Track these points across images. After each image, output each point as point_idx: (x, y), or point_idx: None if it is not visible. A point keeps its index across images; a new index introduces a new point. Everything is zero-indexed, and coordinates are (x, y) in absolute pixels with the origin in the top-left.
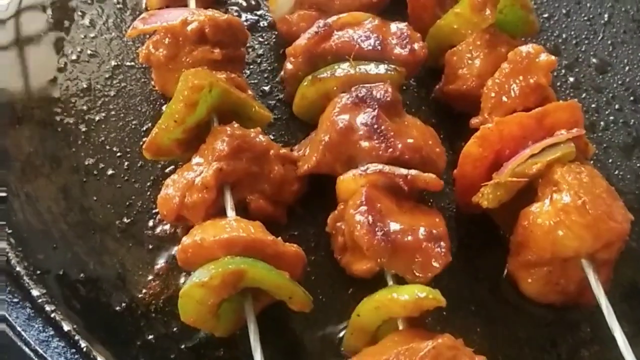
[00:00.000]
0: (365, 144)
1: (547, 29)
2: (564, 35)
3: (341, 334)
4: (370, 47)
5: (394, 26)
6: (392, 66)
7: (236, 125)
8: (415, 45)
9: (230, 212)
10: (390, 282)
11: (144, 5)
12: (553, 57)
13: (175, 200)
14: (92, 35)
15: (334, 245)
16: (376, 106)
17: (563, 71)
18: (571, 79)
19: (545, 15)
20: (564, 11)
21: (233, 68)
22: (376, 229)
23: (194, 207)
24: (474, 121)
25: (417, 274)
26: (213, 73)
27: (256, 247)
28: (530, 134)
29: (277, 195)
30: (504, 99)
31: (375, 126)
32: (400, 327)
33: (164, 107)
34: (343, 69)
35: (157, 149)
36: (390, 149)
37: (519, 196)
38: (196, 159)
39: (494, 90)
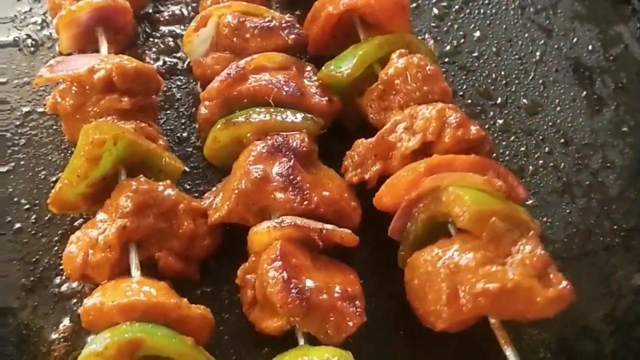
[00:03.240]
0: (279, 195)
1: (476, 69)
2: (493, 75)
3: None
4: (288, 93)
5: (310, 74)
6: (310, 115)
7: (143, 179)
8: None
9: (135, 272)
10: (302, 341)
11: (57, 49)
12: None
13: (78, 259)
14: (2, 80)
15: (243, 298)
16: (292, 156)
17: (491, 113)
18: (500, 122)
19: (475, 54)
20: (494, 49)
21: (144, 116)
22: (291, 287)
23: (97, 266)
24: None
25: (330, 334)
26: (119, 124)
27: (158, 311)
28: None
29: (188, 251)
30: None
31: (291, 177)
32: None
33: None
34: (258, 115)
35: (62, 203)
36: (306, 202)
37: None
38: (100, 215)
39: None
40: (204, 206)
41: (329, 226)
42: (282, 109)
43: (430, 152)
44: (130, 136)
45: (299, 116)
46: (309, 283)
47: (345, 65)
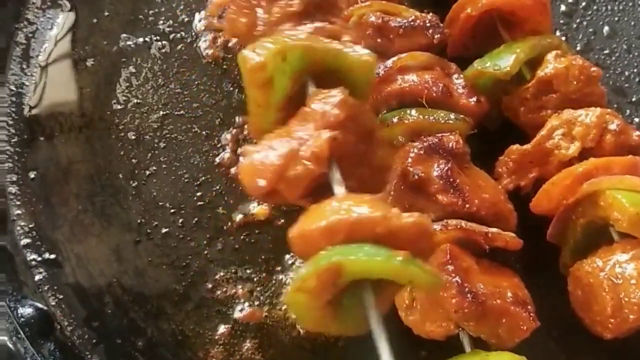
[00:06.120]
0: (440, 197)
1: (608, 66)
2: (626, 73)
3: None
4: (438, 94)
5: (455, 73)
6: (461, 116)
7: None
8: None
9: (338, 189)
10: (466, 344)
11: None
12: None
13: (274, 170)
14: (136, 83)
15: (399, 301)
16: (449, 158)
17: (628, 111)
18: (637, 119)
19: (606, 52)
20: (624, 46)
21: (325, 13)
22: (465, 291)
23: (296, 179)
24: None
25: (503, 339)
26: (282, 37)
27: (363, 228)
28: None
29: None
30: None
31: (451, 179)
32: None
33: (217, 159)
34: (412, 116)
35: (262, 133)
36: (467, 205)
37: None
38: (297, 126)
39: None
40: None
41: (493, 229)
42: (434, 110)
43: (588, 158)
44: (301, 43)
45: (452, 117)
46: (481, 287)
47: (503, 63)
